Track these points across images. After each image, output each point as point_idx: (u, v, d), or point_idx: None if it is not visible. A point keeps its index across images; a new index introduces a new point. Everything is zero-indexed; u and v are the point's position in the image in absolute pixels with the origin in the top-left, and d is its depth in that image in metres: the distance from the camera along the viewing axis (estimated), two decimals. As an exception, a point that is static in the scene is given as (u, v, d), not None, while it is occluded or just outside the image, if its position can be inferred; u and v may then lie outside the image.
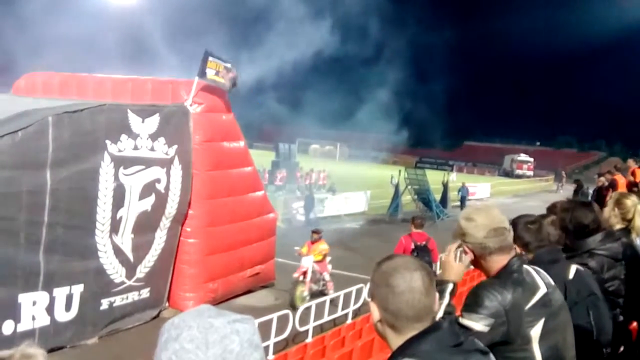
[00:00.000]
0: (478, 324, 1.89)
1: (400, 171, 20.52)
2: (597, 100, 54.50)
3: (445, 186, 22.30)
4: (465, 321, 1.90)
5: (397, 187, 20.10)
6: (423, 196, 20.08)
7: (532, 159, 51.45)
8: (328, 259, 9.62)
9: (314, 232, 9.28)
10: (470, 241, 1.99)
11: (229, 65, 9.20)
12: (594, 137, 57.00)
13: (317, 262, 9.20)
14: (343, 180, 25.02)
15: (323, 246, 9.36)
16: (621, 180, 9.36)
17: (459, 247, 2.01)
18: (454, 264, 1.99)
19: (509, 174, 48.51)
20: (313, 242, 9.15)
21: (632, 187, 8.37)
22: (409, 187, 20.24)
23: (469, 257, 2.02)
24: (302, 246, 9.30)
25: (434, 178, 21.69)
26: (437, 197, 20.87)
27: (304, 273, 9.02)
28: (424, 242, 7.69)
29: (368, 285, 1.43)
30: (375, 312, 1.48)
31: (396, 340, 1.48)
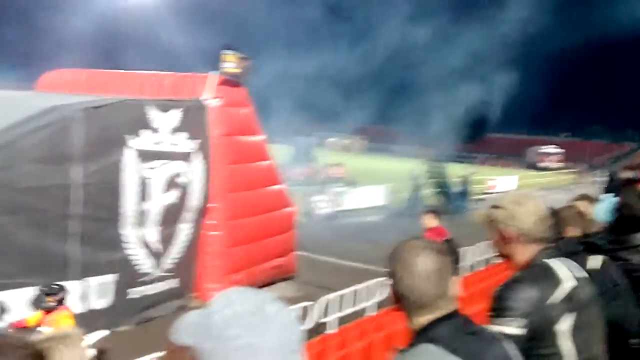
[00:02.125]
0: (510, 327, 1.85)
1: (420, 164, 20.70)
2: (629, 88, 53.56)
3: (465, 180, 22.40)
4: (495, 327, 1.84)
5: (417, 180, 20.29)
6: (443, 189, 20.26)
7: (559, 150, 50.95)
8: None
9: (47, 293, 5.58)
10: (517, 226, 1.97)
11: (244, 55, 9.56)
12: (626, 127, 55.98)
13: None
14: (363, 173, 25.26)
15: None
16: None
17: None
18: None
19: (534, 167, 48.13)
20: (48, 312, 5.52)
21: None
22: (430, 180, 20.43)
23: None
24: (32, 316, 5.80)
25: (454, 171, 21.81)
26: (457, 190, 21.00)
27: None
28: (449, 237, 7.26)
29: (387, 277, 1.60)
30: (391, 292, 1.56)
31: (410, 324, 1.54)
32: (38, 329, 5.33)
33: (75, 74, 10.42)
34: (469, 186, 21.80)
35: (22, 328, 5.57)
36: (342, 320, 7.78)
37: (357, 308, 8.13)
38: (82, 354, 1.61)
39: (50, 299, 5.60)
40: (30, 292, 6.50)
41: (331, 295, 7.77)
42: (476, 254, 11.10)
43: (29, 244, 6.59)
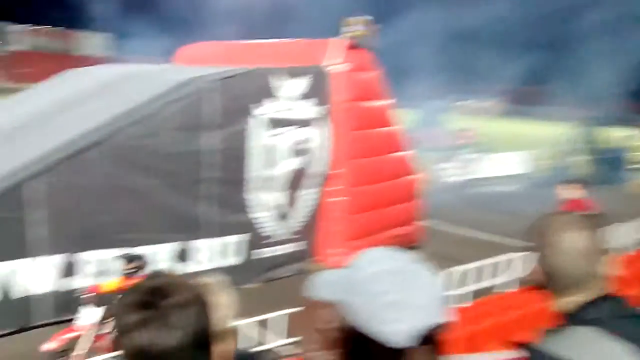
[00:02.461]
0: None
1: (571, 128, 18.97)
2: None
3: (623, 145, 19.99)
4: None
5: (565, 145, 18.70)
6: (595, 157, 18.37)
7: None
8: None
9: (128, 259, 5.59)
10: None
11: (369, 18, 9.49)
12: None
13: None
14: (501, 138, 23.88)
15: None
16: None
17: None
18: None
19: None
20: (128, 278, 5.44)
21: None
22: (580, 146, 18.66)
23: None
24: (109, 282, 5.70)
25: (614, 136, 19.64)
26: (613, 157, 18.87)
27: (73, 339, 5.33)
28: (596, 211, 6.74)
29: (526, 252, 1.53)
30: (534, 270, 1.50)
31: (557, 305, 1.47)
32: (117, 294, 5.12)
33: (208, 47, 11.21)
34: (628, 153, 19.49)
35: (98, 293, 5.50)
36: (469, 296, 7.53)
37: (487, 284, 7.77)
38: (229, 299, 1.82)
39: (130, 266, 5.56)
40: (168, 248, 7.38)
41: (466, 266, 7.51)
42: (630, 232, 9.97)
43: (167, 205, 7.42)
